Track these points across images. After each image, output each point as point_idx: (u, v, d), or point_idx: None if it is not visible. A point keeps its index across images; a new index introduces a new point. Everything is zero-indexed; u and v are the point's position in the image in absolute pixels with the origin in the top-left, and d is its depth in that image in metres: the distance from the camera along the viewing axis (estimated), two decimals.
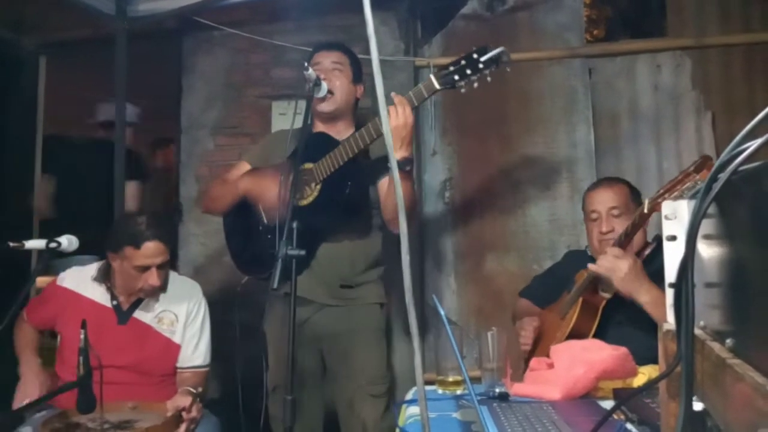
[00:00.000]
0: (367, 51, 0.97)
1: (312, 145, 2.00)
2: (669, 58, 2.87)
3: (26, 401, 1.90)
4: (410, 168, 1.96)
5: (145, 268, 2.02)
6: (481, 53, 1.85)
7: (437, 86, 1.89)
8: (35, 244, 1.85)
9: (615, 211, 1.96)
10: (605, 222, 1.96)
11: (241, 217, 2.21)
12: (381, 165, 2.13)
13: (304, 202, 2.06)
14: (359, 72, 2.23)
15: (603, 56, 2.95)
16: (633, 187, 2.06)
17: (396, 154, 1.86)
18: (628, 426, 1.25)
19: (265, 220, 2.14)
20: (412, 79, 2.97)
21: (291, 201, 1.71)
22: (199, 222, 3.17)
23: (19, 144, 3.37)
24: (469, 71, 1.85)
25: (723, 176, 0.62)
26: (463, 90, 1.89)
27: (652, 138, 2.86)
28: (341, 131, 2.16)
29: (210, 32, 3.19)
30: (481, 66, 1.85)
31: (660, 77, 2.88)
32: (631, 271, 1.74)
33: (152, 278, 2.03)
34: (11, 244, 1.82)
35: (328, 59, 2.16)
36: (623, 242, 1.80)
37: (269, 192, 2.03)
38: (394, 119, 1.87)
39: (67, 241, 1.84)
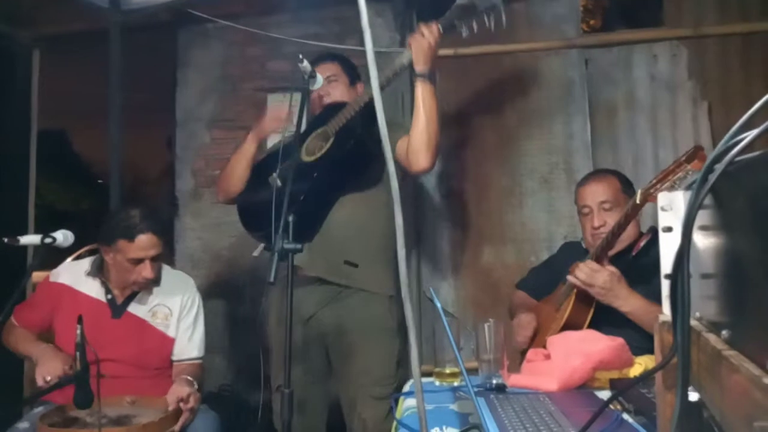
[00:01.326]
0: (362, 42, 0.96)
1: (325, 113, 2.15)
2: (666, 48, 2.86)
3: (49, 378, 1.81)
4: (432, 80, 2.10)
5: (139, 261, 2.01)
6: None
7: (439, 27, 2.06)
8: (30, 239, 1.84)
9: (606, 205, 1.96)
10: (596, 216, 1.96)
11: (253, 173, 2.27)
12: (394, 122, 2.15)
13: (316, 156, 2.12)
14: (354, 73, 2.32)
15: (599, 47, 2.94)
16: (624, 178, 2.06)
17: (417, 66, 2.06)
18: (625, 416, 1.25)
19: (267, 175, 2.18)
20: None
21: (287, 193, 1.69)
22: (196, 216, 3.16)
23: (13, 138, 3.35)
24: (467, 14, 2.06)
25: (719, 167, 0.61)
26: (464, 33, 2.08)
27: (648, 128, 2.86)
28: None
29: (205, 25, 3.17)
30: (479, 11, 2.03)
31: (656, 67, 2.87)
32: (606, 284, 1.75)
33: (146, 271, 2.02)
34: (6, 239, 1.82)
35: (321, 75, 2.16)
36: (616, 232, 1.80)
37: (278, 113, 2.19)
38: (419, 39, 2.04)
39: (63, 236, 1.83)
